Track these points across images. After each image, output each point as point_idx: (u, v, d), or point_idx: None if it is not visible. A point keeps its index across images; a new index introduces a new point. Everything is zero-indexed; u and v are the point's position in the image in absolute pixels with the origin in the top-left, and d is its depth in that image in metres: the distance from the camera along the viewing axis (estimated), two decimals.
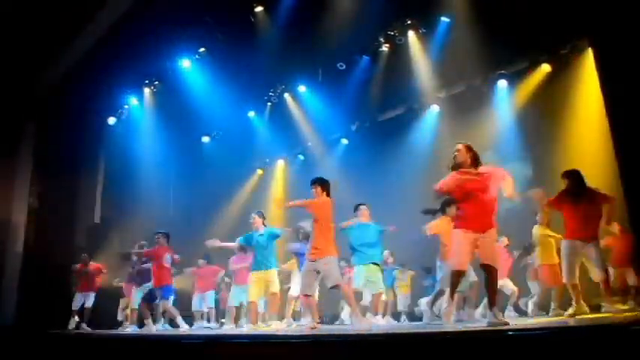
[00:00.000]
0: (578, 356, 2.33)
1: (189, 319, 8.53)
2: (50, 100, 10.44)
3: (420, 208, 5.85)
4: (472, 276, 5.83)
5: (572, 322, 4.43)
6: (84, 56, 9.68)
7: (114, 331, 8.15)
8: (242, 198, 12.75)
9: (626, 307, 5.40)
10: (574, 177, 5.16)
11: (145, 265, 7.92)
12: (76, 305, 8.83)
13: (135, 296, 7.86)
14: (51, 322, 8.52)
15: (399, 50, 9.47)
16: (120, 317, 9.08)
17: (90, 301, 8.89)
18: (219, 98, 10.37)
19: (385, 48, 9.62)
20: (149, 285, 7.70)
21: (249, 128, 12.06)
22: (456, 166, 4.18)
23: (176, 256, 7.62)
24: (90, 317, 8.83)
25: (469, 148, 4.20)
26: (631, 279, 6.56)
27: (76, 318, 8.80)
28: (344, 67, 9.91)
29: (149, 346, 4.81)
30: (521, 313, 7.31)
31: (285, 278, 7.76)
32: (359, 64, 9.94)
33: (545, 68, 8.86)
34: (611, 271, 6.25)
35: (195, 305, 8.98)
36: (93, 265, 9.09)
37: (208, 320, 9.05)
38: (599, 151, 6.69)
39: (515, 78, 9.25)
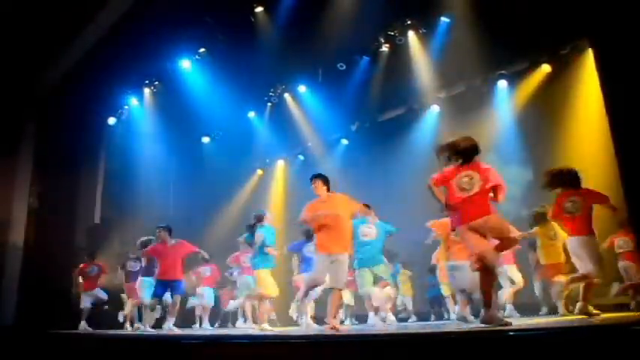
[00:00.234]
0: (578, 356, 2.33)
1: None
2: (50, 100, 10.45)
3: (418, 208, 5.85)
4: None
5: (572, 322, 4.42)
6: (84, 56, 9.69)
7: (114, 332, 8.14)
8: (242, 198, 12.75)
9: None
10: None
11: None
12: (84, 305, 8.76)
13: (143, 292, 7.75)
14: (51, 322, 8.51)
15: (399, 50, 9.47)
16: (121, 318, 9.06)
17: (101, 296, 8.87)
18: (219, 98, 10.38)
19: (385, 48, 9.61)
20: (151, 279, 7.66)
21: (249, 128, 12.06)
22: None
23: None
24: (89, 317, 8.82)
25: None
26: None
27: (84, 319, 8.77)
28: (344, 67, 9.91)
29: (149, 346, 4.81)
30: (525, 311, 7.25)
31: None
32: (359, 64, 9.94)
33: (546, 68, 8.85)
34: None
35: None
36: (97, 264, 9.09)
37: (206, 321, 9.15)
38: (599, 151, 6.68)
39: (516, 78, 9.25)
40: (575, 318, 4.87)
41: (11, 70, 9.29)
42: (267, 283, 6.32)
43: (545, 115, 8.82)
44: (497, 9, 7.60)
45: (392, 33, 9.40)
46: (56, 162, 10.40)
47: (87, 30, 9.20)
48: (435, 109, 10.22)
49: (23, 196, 10.30)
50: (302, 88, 10.90)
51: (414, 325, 7.11)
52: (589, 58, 7.69)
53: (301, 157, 12.58)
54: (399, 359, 2.85)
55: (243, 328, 8.04)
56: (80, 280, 9.03)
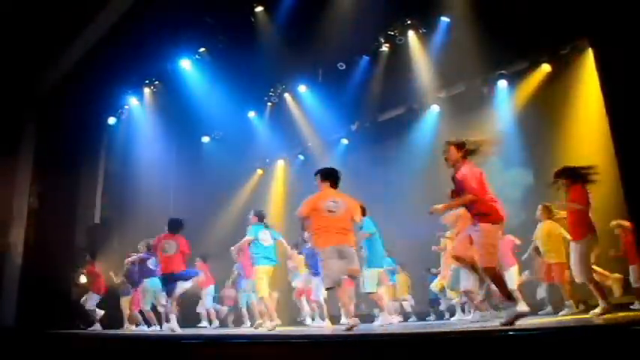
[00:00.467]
0: (578, 356, 2.33)
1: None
2: (50, 100, 10.43)
3: (419, 209, 5.79)
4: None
5: (572, 322, 4.43)
6: (84, 56, 9.66)
7: (114, 331, 8.15)
8: (242, 198, 12.75)
9: None
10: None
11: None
12: (91, 305, 8.86)
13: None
14: (51, 322, 8.52)
15: (399, 50, 9.48)
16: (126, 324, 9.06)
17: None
18: (219, 98, 10.39)
19: (385, 48, 9.63)
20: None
21: (249, 128, 12.06)
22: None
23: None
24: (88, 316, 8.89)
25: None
26: None
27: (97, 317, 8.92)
28: (344, 67, 9.92)
29: (149, 346, 4.81)
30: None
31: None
32: (359, 64, 9.96)
33: (546, 68, 8.87)
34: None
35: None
36: (99, 265, 9.13)
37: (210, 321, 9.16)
38: (599, 151, 6.68)
39: (516, 78, 9.26)
40: (574, 318, 4.87)
41: (11, 70, 9.27)
42: (261, 281, 6.30)
43: (545, 115, 8.82)
44: (497, 9, 7.60)
45: (392, 33, 9.41)
46: (56, 162, 10.37)
47: (87, 30, 9.19)
48: (434, 109, 10.23)
49: (23, 196, 10.28)
50: (302, 88, 10.91)
51: (414, 325, 7.11)
52: (589, 58, 7.70)
53: (301, 157, 12.59)
54: (398, 359, 2.85)
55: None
56: (86, 280, 9.09)
